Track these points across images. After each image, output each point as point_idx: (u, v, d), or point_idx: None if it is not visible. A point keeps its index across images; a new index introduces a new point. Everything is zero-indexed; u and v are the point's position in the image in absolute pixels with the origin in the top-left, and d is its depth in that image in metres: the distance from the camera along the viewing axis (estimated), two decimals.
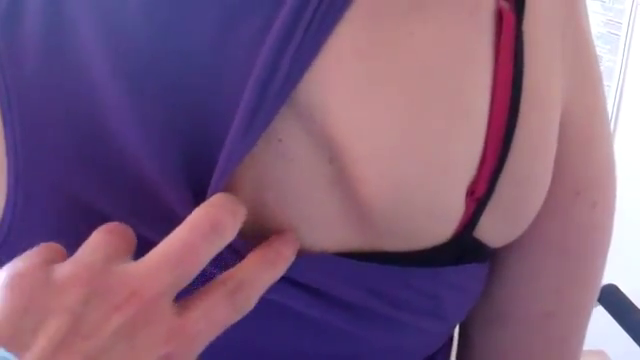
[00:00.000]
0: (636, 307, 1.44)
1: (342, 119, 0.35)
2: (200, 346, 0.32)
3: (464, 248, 0.40)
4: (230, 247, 0.34)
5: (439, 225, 0.38)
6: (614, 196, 0.45)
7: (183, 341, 0.31)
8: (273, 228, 0.36)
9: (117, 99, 0.35)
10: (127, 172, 0.36)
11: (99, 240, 0.33)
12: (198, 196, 0.35)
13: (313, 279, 0.37)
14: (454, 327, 0.48)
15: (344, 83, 0.35)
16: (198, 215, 0.33)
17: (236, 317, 0.34)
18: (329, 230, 0.36)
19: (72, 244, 0.35)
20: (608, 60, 1.80)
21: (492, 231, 0.40)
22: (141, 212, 0.36)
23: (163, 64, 0.35)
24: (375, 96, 0.35)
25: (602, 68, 1.77)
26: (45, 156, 0.36)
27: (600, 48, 1.80)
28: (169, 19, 0.35)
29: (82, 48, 0.36)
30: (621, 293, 1.47)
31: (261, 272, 0.34)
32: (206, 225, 0.33)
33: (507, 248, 0.43)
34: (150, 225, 0.35)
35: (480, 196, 0.38)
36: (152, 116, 0.35)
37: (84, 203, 0.36)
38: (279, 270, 0.35)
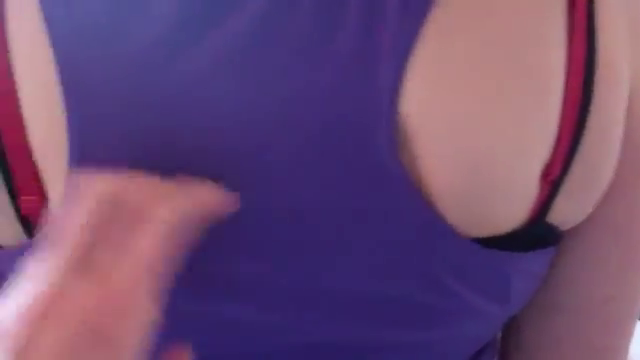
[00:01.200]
0: None
1: (419, 99, 0.35)
2: None
3: (538, 233, 0.39)
4: None
5: (514, 207, 0.37)
6: None
7: None
8: None
9: None
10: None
11: None
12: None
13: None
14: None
15: (424, 65, 0.35)
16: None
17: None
18: None
19: None
20: None
21: (564, 214, 0.40)
22: None
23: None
24: (453, 76, 0.35)
25: None
26: (102, 151, 0.35)
27: None
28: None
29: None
30: None
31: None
32: None
33: (570, 231, 0.42)
34: None
35: (554, 178, 0.38)
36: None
37: None
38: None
